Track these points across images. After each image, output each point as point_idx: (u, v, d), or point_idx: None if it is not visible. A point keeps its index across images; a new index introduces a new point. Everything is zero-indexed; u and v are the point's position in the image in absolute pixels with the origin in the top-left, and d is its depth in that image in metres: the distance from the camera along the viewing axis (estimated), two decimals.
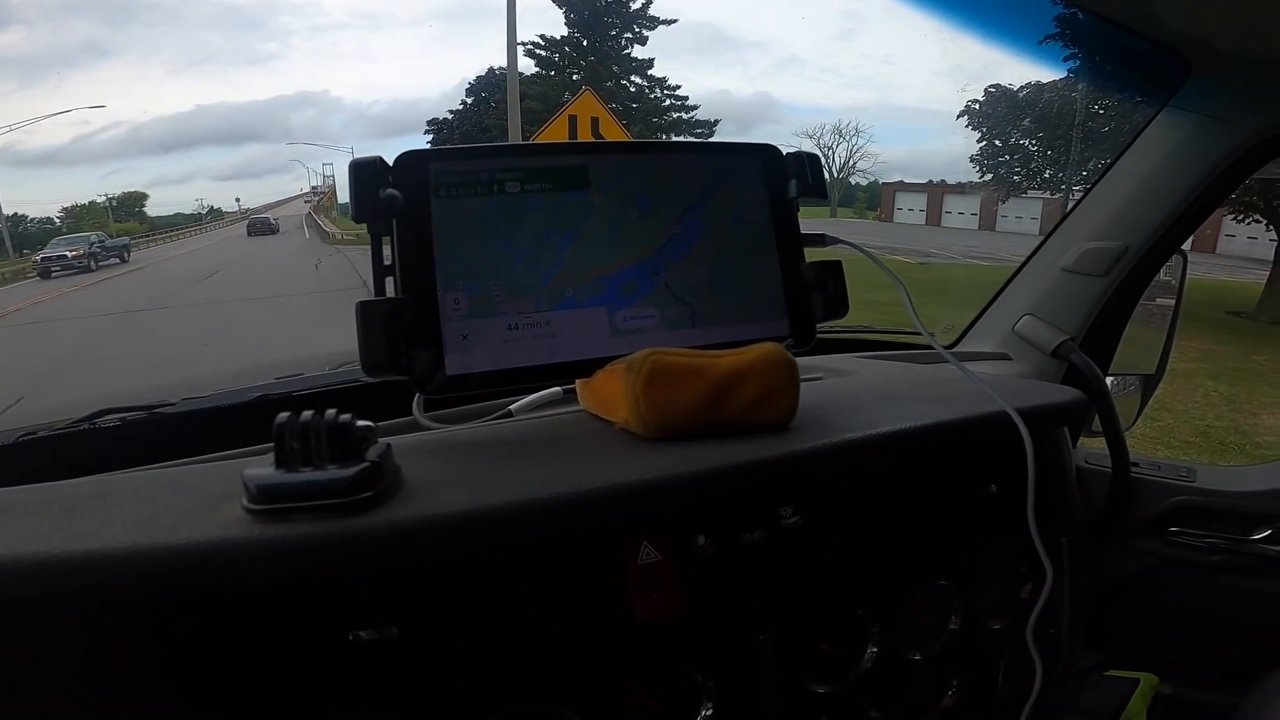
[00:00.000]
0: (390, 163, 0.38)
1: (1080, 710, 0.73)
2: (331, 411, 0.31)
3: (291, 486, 0.30)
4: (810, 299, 0.46)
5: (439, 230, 0.39)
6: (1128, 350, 0.86)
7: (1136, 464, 0.81)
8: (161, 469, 0.43)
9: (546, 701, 0.35)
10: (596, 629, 0.36)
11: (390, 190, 0.37)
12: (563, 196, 0.41)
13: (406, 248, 0.38)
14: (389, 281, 0.39)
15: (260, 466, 0.31)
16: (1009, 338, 0.83)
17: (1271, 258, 7.96)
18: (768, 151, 0.46)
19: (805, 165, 0.46)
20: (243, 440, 0.49)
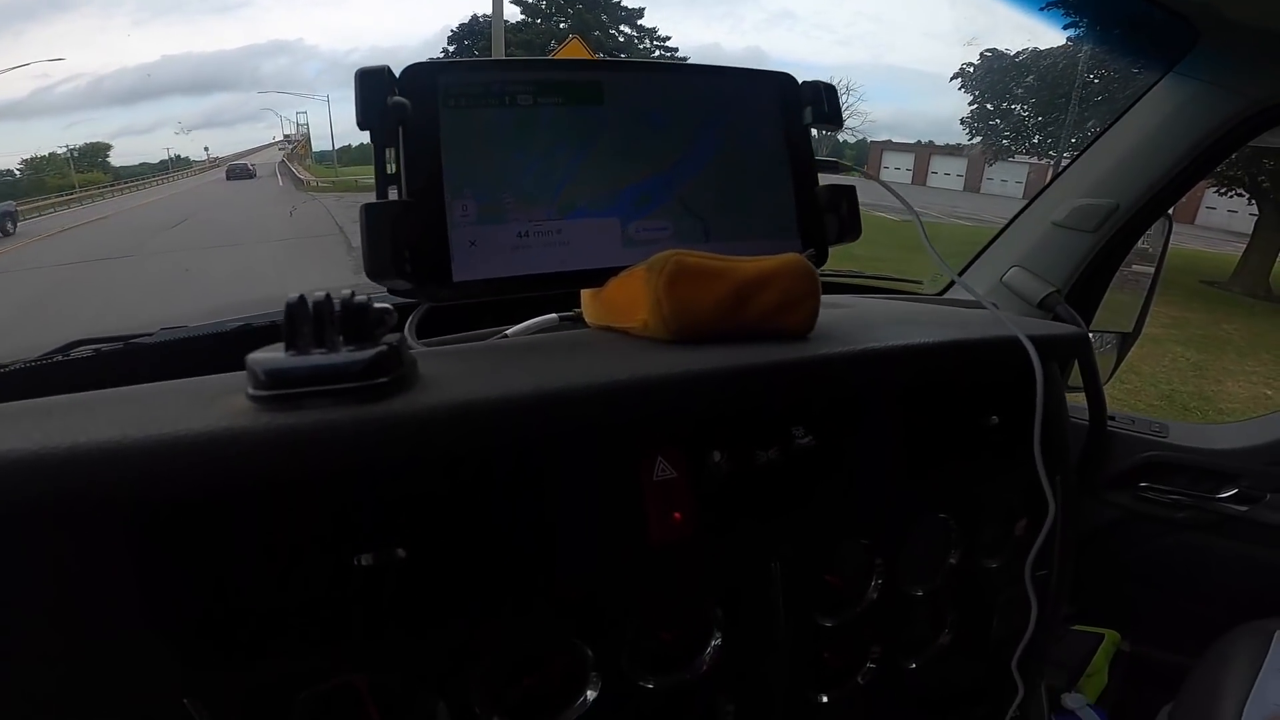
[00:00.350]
0: (397, 74, 0.37)
1: (1047, 662, 0.76)
2: (346, 291, 0.29)
3: (303, 370, 0.28)
4: (824, 220, 0.46)
5: (446, 139, 0.38)
6: (1107, 310, 0.87)
7: (1113, 418, 0.83)
8: (146, 384, 0.39)
9: (560, 634, 0.35)
10: (611, 551, 0.35)
11: (398, 98, 0.36)
12: (575, 110, 0.40)
13: (413, 153, 0.37)
14: (392, 191, 0.37)
15: (268, 351, 0.29)
16: (996, 288, 0.84)
17: (1250, 231, 8.09)
18: (783, 78, 0.46)
19: (821, 93, 0.46)
20: (226, 369, 0.45)
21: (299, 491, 0.28)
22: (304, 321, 0.28)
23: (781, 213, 0.45)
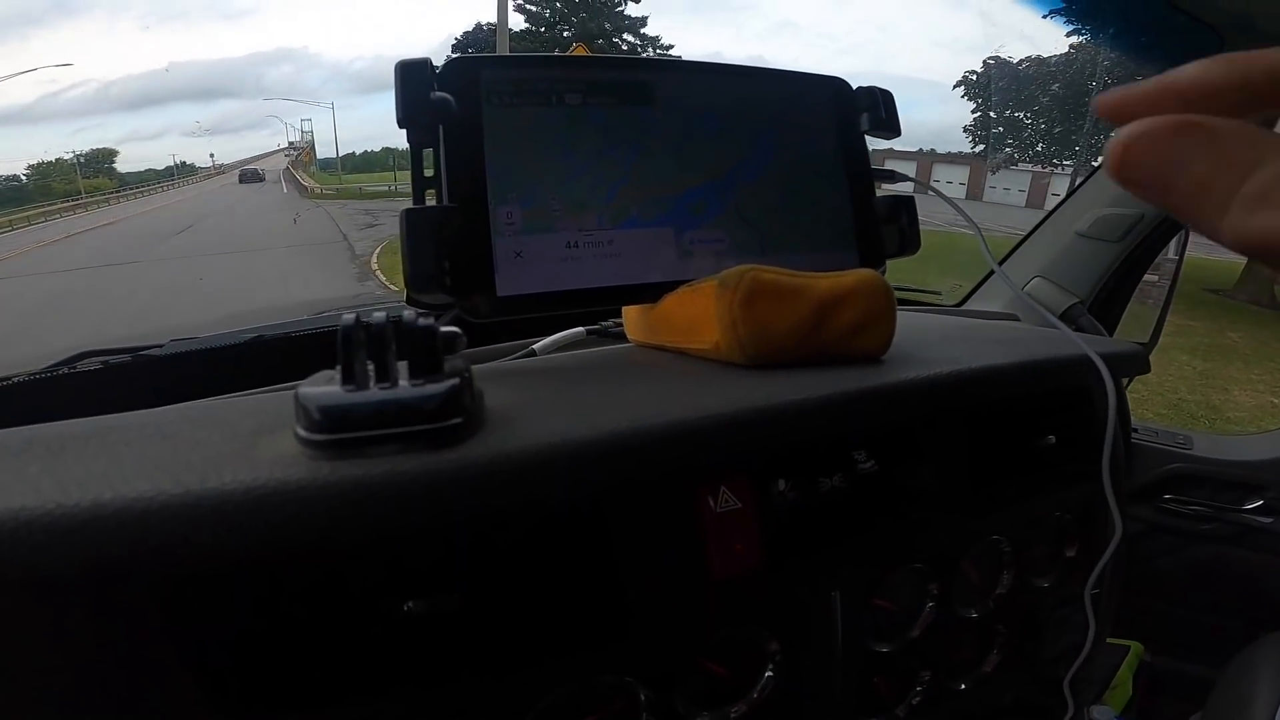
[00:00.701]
0: (437, 68, 0.34)
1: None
2: (410, 313, 0.25)
3: (366, 409, 0.23)
4: (882, 232, 0.44)
5: (490, 139, 0.35)
6: (1125, 320, 0.86)
7: (1135, 429, 0.82)
8: (166, 407, 0.35)
9: (615, 672, 0.32)
10: (672, 589, 0.32)
11: (441, 94, 0.34)
12: (626, 110, 0.38)
13: (455, 155, 0.34)
14: (430, 196, 0.34)
15: (318, 384, 0.25)
16: (1017, 299, 0.82)
17: None
18: (837, 83, 0.44)
19: (879, 99, 0.44)
20: (238, 384, 0.43)
21: (357, 549, 0.25)
22: (360, 346, 0.24)
23: (839, 223, 0.43)
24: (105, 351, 0.51)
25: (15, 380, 0.47)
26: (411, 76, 0.33)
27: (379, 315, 0.24)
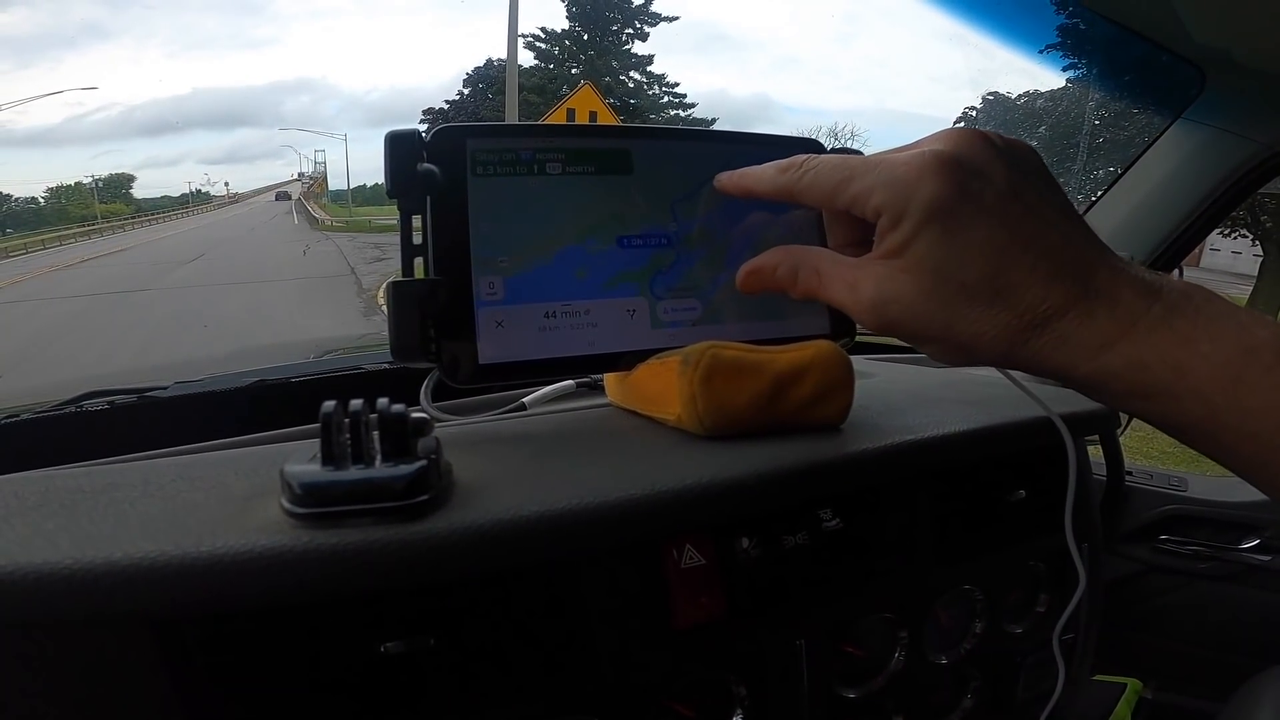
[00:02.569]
0: (426, 137, 0.36)
1: (1072, 714, 0.74)
2: (383, 401, 0.28)
3: (342, 486, 0.27)
4: None
5: (474, 210, 0.36)
6: None
7: (1130, 472, 0.82)
8: (167, 459, 0.39)
9: (582, 712, 0.34)
10: (637, 635, 0.34)
11: (427, 165, 0.35)
12: (605, 179, 0.39)
13: (441, 226, 0.36)
14: (418, 262, 0.36)
15: (300, 462, 0.28)
16: None
17: (1255, 274, 8.11)
18: (811, 145, 0.45)
19: None
20: (239, 427, 0.46)
21: (335, 605, 0.28)
22: (340, 430, 0.27)
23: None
24: (111, 392, 0.53)
25: (23, 417, 0.49)
26: (399, 148, 0.35)
27: (356, 403, 0.28)
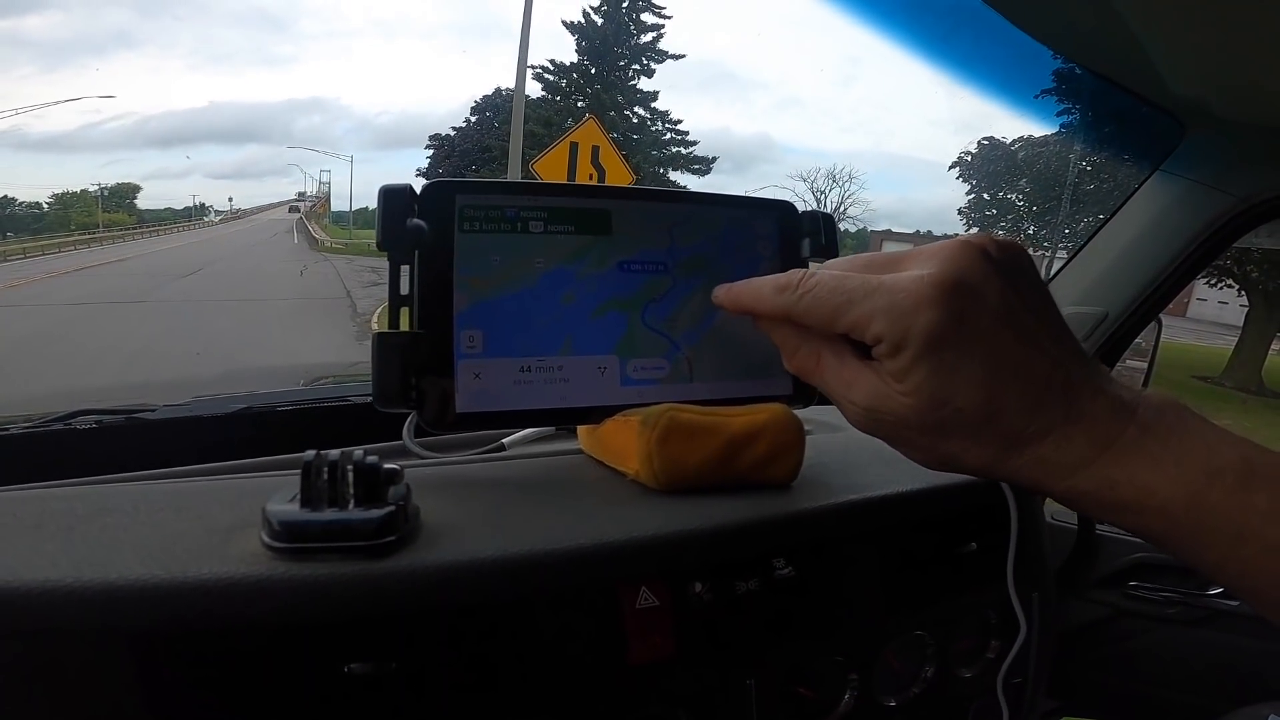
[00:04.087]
0: (418, 191, 0.38)
1: None
2: (359, 452, 0.31)
3: (316, 526, 0.30)
4: None
5: (459, 265, 0.39)
6: None
7: (1101, 522, 0.82)
8: (156, 483, 0.42)
9: None
10: (593, 670, 0.36)
11: (416, 220, 0.37)
12: (583, 239, 0.41)
13: (427, 281, 0.38)
14: (404, 312, 0.38)
15: (281, 501, 0.31)
16: None
17: (1240, 324, 8.23)
18: (784, 208, 0.47)
19: (820, 225, 0.47)
20: (224, 452, 0.48)
21: (305, 629, 0.30)
22: (319, 476, 0.31)
23: (775, 350, 0.47)
24: (100, 411, 0.54)
25: (13, 431, 0.51)
26: (392, 202, 0.37)
27: (335, 453, 0.31)
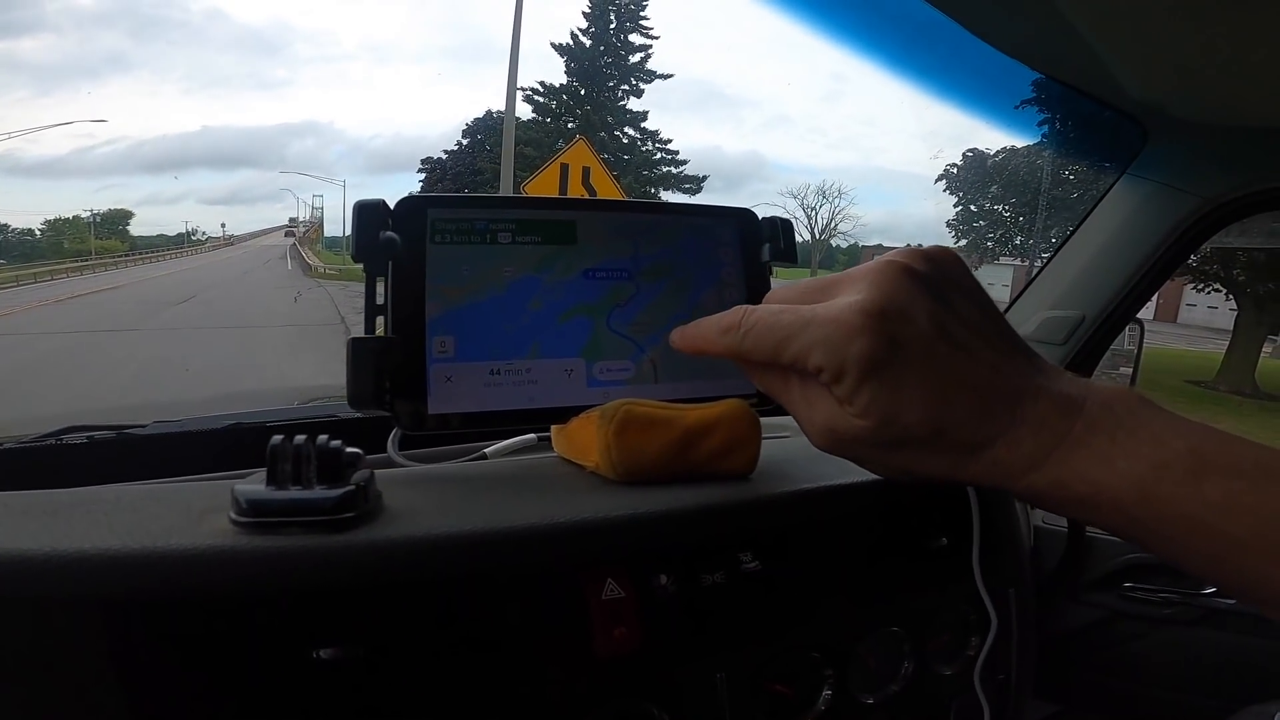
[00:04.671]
0: (391, 206, 0.40)
1: None
2: (323, 437, 0.33)
3: (280, 502, 0.32)
4: None
5: (430, 274, 0.41)
6: None
7: (1065, 516, 0.82)
8: (140, 485, 0.43)
9: None
10: (558, 661, 0.37)
11: (389, 233, 0.39)
12: (550, 249, 0.43)
13: (400, 290, 0.40)
14: (379, 320, 0.40)
15: (250, 483, 0.33)
16: None
17: (1230, 328, 8.29)
18: (744, 215, 0.49)
19: (779, 229, 0.49)
20: (213, 466, 0.49)
21: (272, 603, 0.32)
22: (285, 460, 0.33)
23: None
24: (91, 427, 0.55)
25: (5, 447, 0.52)
26: (365, 216, 0.39)
27: (300, 438, 0.33)
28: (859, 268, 0.29)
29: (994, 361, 0.27)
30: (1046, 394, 0.27)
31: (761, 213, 0.49)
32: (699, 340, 0.33)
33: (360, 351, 0.38)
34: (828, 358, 0.27)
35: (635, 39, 21.61)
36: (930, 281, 0.28)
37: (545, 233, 0.43)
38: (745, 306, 0.31)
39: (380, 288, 0.40)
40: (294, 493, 0.32)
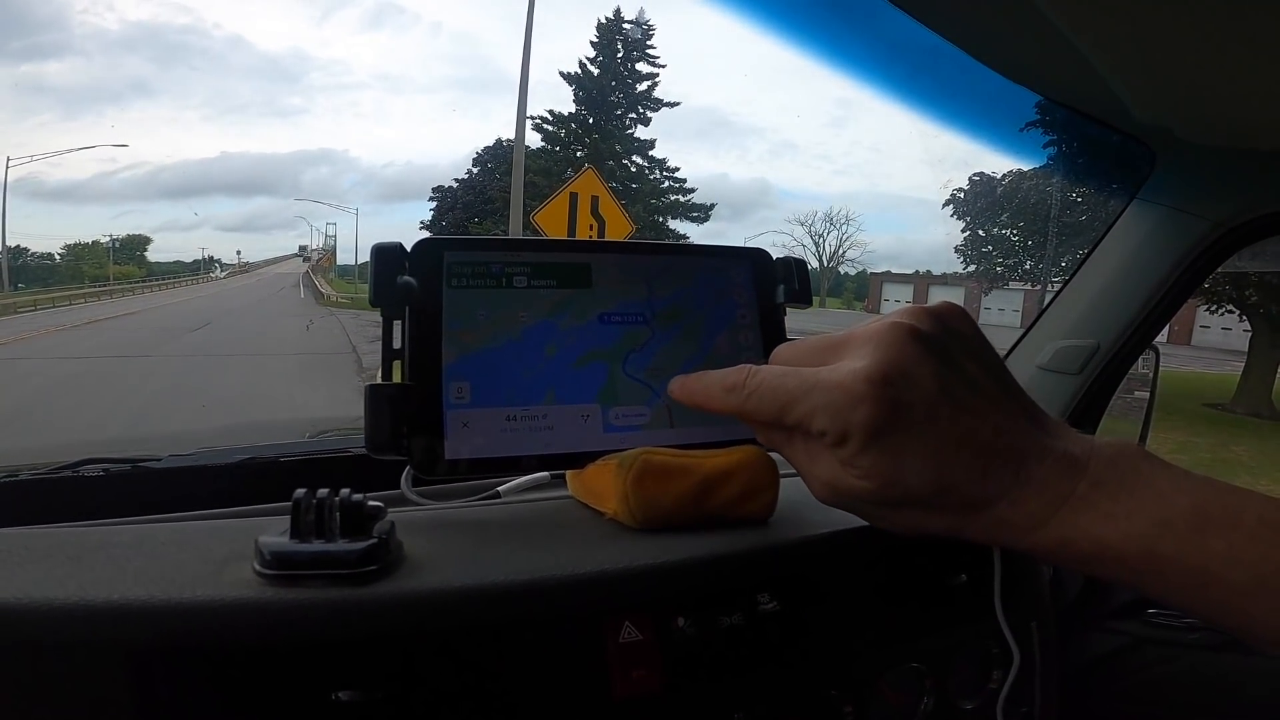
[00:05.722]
0: (408, 249, 0.41)
1: None
2: (345, 490, 0.34)
3: (304, 555, 0.33)
4: None
5: (447, 319, 0.41)
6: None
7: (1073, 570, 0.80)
8: (158, 524, 0.44)
9: None
10: (576, 704, 0.36)
11: (407, 278, 0.40)
12: (565, 293, 0.43)
13: (417, 335, 0.40)
14: (397, 365, 0.41)
15: (273, 534, 0.34)
16: None
17: (1245, 349, 8.19)
18: (758, 256, 0.49)
19: (793, 270, 0.48)
20: (227, 501, 0.49)
21: (293, 652, 0.32)
22: (308, 512, 0.33)
23: None
24: (107, 460, 0.56)
25: (23, 477, 0.53)
26: (384, 260, 0.39)
27: (323, 491, 0.33)
28: (865, 328, 0.30)
29: (998, 422, 0.28)
30: (1050, 454, 0.27)
31: (769, 241, 0.51)
32: (700, 395, 0.34)
33: (378, 398, 0.39)
34: (831, 422, 0.28)
35: (642, 68, 22.10)
36: (935, 342, 0.28)
37: (560, 276, 0.43)
38: (749, 367, 0.31)
39: (396, 331, 0.40)
40: (317, 546, 0.33)
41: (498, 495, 0.51)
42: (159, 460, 0.57)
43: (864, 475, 0.28)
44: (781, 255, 0.49)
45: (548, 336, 0.42)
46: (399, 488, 0.45)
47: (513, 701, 0.35)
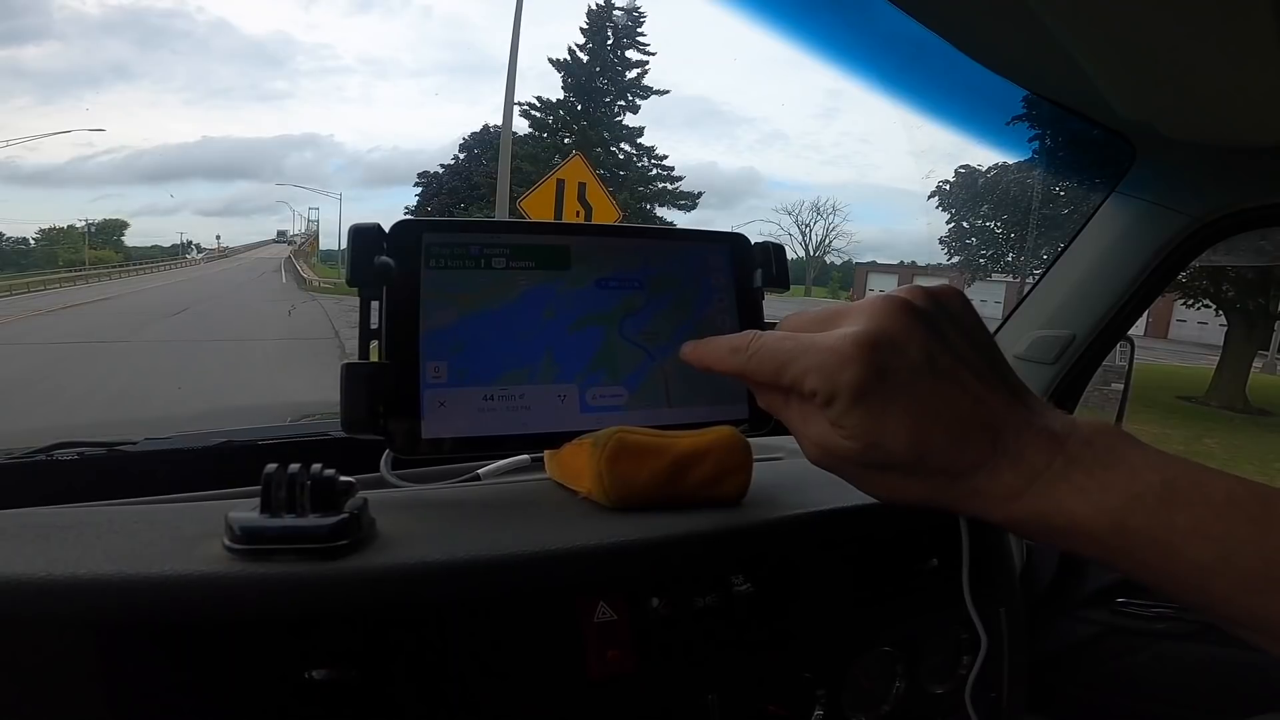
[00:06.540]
0: (386, 229, 0.40)
1: None
2: (317, 466, 0.34)
3: (274, 530, 0.32)
4: None
5: (425, 300, 0.40)
6: None
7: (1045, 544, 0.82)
8: (131, 505, 0.43)
9: None
10: (552, 684, 0.37)
11: (384, 258, 0.39)
12: (544, 275, 0.43)
13: (394, 315, 0.40)
14: (374, 345, 0.40)
15: (243, 510, 0.33)
16: None
17: (1221, 343, 8.36)
18: (736, 240, 0.49)
19: (770, 255, 0.49)
20: (204, 484, 0.49)
21: (265, 627, 0.32)
22: (279, 487, 0.33)
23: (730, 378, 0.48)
24: (81, 444, 0.55)
25: None
26: (360, 240, 0.39)
27: (294, 466, 0.33)
28: (864, 300, 0.31)
29: (978, 393, 0.29)
30: (1029, 428, 0.28)
31: (756, 230, 0.50)
32: (708, 357, 0.35)
33: (354, 376, 0.39)
34: (822, 382, 0.29)
35: (632, 55, 21.88)
36: (926, 316, 0.30)
37: (539, 258, 0.43)
38: (754, 331, 0.33)
39: (374, 311, 0.40)
40: (288, 520, 0.33)
41: (477, 478, 0.51)
42: (135, 444, 0.56)
43: (849, 435, 0.29)
44: (760, 241, 0.49)
45: (528, 316, 0.42)
46: (379, 470, 0.45)
47: (489, 681, 0.35)
